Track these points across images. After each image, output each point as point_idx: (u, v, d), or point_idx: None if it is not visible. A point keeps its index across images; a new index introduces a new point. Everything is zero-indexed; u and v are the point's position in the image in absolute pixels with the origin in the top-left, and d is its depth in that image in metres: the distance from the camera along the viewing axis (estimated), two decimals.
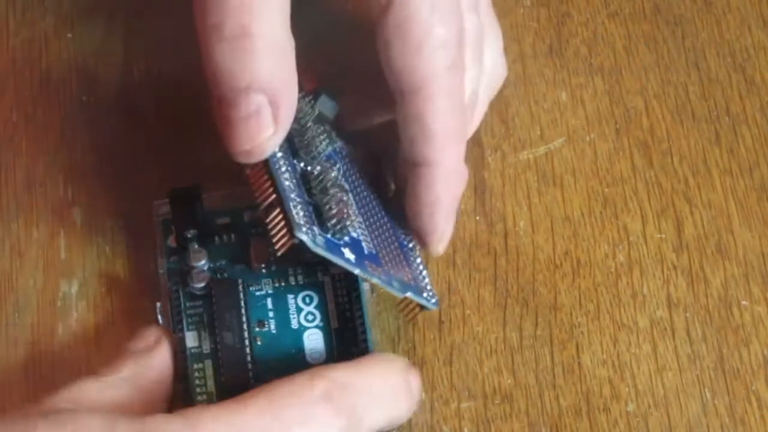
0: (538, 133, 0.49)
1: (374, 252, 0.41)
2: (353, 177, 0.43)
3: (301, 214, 0.38)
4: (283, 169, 0.39)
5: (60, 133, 0.48)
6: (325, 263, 0.40)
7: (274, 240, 0.38)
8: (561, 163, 0.48)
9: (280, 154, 0.39)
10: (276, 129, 0.38)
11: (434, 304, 0.42)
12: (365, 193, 0.43)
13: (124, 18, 0.51)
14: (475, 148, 0.49)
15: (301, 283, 0.42)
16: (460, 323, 0.45)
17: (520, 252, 0.46)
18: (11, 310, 0.44)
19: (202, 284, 0.42)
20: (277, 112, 0.38)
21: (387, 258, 0.41)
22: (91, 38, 0.50)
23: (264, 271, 0.42)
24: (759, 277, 0.46)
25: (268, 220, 0.38)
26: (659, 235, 0.47)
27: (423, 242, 0.43)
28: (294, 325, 0.41)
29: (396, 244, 0.42)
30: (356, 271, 0.39)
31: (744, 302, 0.45)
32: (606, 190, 0.48)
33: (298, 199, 0.38)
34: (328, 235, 0.39)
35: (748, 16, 0.52)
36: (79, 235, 0.46)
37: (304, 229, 0.37)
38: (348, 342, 0.42)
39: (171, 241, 0.43)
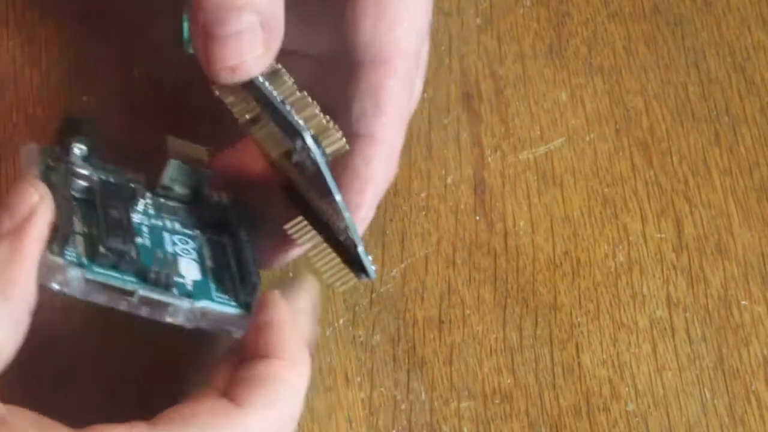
0: (538, 133, 0.49)
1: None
2: None
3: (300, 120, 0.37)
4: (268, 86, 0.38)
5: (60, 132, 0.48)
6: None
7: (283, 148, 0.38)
8: (561, 163, 0.48)
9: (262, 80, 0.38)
10: (265, 52, 0.38)
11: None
12: None
13: (124, 18, 0.51)
14: (475, 148, 0.49)
15: (179, 229, 0.41)
16: (460, 323, 0.45)
17: (520, 252, 0.46)
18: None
19: (85, 184, 0.40)
20: (269, 36, 0.38)
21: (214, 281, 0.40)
22: (91, 38, 0.50)
23: (161, 198, 0.41)
24: (759, 277, 0.46)
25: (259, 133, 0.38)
26: (659, 235, 0.47)
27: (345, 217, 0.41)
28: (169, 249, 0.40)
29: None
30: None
31: (744, 302, 0.46)
32: (606, 190, 0.48)
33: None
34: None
35: (748, 16, 0.52)
36: None
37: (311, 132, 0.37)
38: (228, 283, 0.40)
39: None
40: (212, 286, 0.39)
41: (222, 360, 0.38)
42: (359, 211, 0.41)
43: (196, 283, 0.39)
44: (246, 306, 0.39)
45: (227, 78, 0.38)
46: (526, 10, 0.52)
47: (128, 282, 0.37)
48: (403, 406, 0.43)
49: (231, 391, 0.36)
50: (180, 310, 0.38)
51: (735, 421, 0.43)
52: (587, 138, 0.49)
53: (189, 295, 0.38)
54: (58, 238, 0.36)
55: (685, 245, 0.47)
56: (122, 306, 0.37)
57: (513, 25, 0.52)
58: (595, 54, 0.51)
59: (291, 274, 0.45)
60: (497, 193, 0.48)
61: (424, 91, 0.50)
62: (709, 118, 0.50)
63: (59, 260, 0.36)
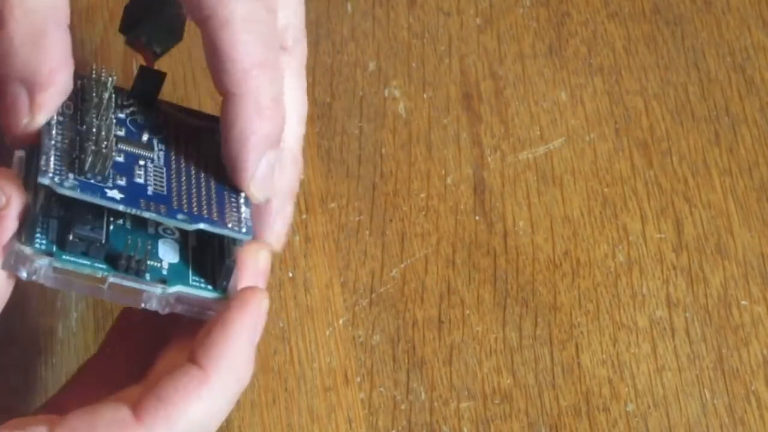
0: (538, 133, 0.49)
1: (164, 194, 0.39)
2: (166, 142, 0.40)
3: (52, 161, 0.37)
4: (53, 125, 0.38)
5: None
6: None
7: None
8: (561, 163, 0.48)
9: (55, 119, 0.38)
10: (32, 116, 0.37)
11: (243, 233, 0.38)
12: (183, 156, 0.40)
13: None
14: (475, 148, 0.49)
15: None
16: (459, 323, 0.45)
17: (519, 252, 0.46)
18: (11, 310, 0.44)
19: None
20: (33, 99, 0.37)
21: (187, 200, 0.38)
22: (91, 38, 0.50)
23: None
24: (758, 277, 0.46)
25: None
26: (659, 235, 0.47)
27: (237, 182, 0.39)
28: (150, 231, 0.39)
29: (214, 192, 0.39)
30: (120, 207, 0.36)
31: (743, 302, 0.46)
32: (606, 190, 0.48)
33: (55, 148, 0.37)
34: (88, 178, 0.37)
35: (747, 16, 0.52)
36: None
37: (49, 174, 0.37)
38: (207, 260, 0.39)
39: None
40: (190, 269, 0.38)
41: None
42: (244, 172, 0.39)
43: (172, 266, 0.38)
44: (222, 290, 0.38)
45: (17, 145, 0.38)
46: (525, 10, 0.52)
47: (98, 269, 0.36)
48: (403, 406, 0.43)
49: (139, 403, 0.35)
50: (153, 297, 0.37)
51: (735, 421, 0.43)
52: (587, 138, 0.49)
53: (163, 280, 0.37)
54: (28, 224, 0.36)
55: (685, 245, 0.47)
56: (94, 294, 0.37)
57: (513, 25, 0.52)
58: (594, 54, 0.51)
59: (291, 275, 0.45)
60: (497, 193, 0.48)
61: (424, 91, 0.50)
62: (709, 118, 0.50)
63: (27, 249, 0.36)
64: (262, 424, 0.43)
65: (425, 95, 0.50)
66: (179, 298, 0.37)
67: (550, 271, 0.46)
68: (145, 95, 0.41)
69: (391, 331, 0.45)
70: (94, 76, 0.39)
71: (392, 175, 0.48)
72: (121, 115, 0.40)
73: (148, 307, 0.37)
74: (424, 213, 0.47)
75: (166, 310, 0.37)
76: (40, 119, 0.38)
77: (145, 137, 0.39)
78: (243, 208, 0.38)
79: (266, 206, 0.40)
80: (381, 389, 0.44)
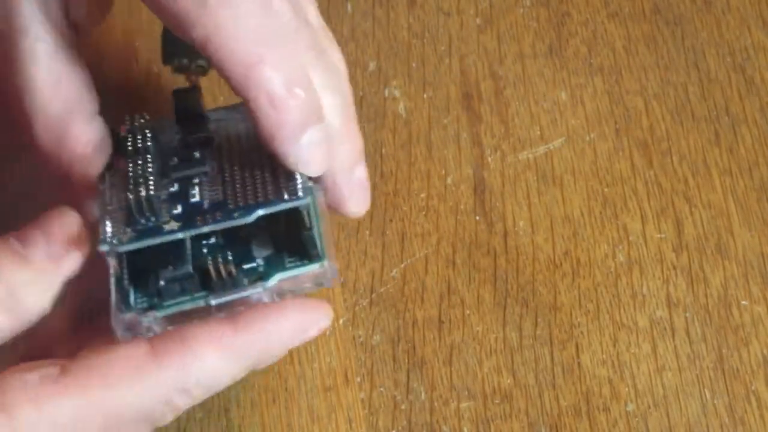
0: (538, 133, 0.49)
1: (220, 200, 0.39)
2: (219, 149, 0.40)
3: (107, 226, 0.38)
4: (103, 190, 0.39)
5: None
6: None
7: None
8: (561, 163, 0.48)
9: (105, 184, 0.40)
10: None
11: (300, 198, 0.37)
12: (235, 154, 0.40)
13: (124, 18, 0.51)
14: (475, 148, 0.49)
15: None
16: (460, 323, 0.45)
17: (519, 252, 0.46)
18: None
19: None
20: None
21: (242, 195, 0.38)
22: (91, 38, 0.50)
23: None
24: (759, 277, 0.46)
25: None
26: (659, 235, 0.47)
27: (287, 170, 0.39)
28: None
29: (268, 173, 0.39)
30: (179, 236, 0.37)
31: (744, 302, 0.46)
32: (606, 189, 0.48)
33: (107, 212, 0.38)
34: (143, 224, 0.38)
35: (747, 16, 0.52)
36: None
37: (107, 239, 0.37)
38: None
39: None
40: (285, 252, 0.38)
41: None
42: (288, 158, 0.38)
43: (268, 258, 0.38)
44: (317, 258, 0.38)
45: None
46: (526, 10, 0.52)
47: (198, 299, 0.37)
48: (403, 406, 0.43)
49: (160, 341, 0.36)
50: (260, 296, 0.38)
51: (735, 421, 0.43)
52: (587, 138, 0.49)
53: (260, 276, 0.38)
54: (118, 291, 0.37)
55: (685, 245, 0.47)
56: (209, 317, 0.38)
57: (513, 25, 0.52)
58: (594, 54, 0.51)
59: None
60: (497, 193, 0.48)
61: (424, 91, 0.50)
62: (709, 118, 0.50)
63: (129, 315, 0.37)
64: (262, 423, 0.43)
65: (425, 95, 0.50)
66: (282, 285, 0.38)
67: (550, 271, 0.46)
68: (188, 113, 0.41)
69: (391, 331, 0.45)
70: (128, 126, 0.40)
71: (392, 175, 0.48)
72: (172, 143, 0.40)
73: (262, 302, 0.38)
74: (424, 213, 0.47)
75: (277, 299, 0.38)
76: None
77: (197, 154, 0.40)
78: (296, 174, 0.38)
79: (333, 183, 0.40)
80: (381, 389, 0.44)
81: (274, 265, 0.38)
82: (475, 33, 0.52)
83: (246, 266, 0.38)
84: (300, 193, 0.37)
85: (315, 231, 0.38)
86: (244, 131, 0.40)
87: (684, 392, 0.44)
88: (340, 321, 0.45)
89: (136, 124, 0.40)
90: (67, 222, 0.38)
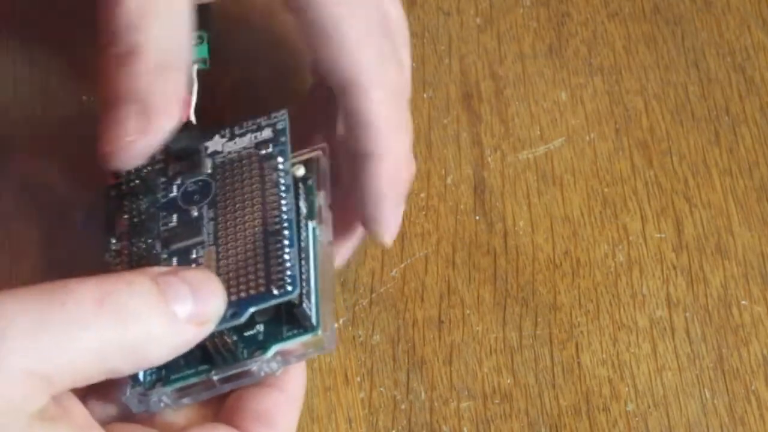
0: (538, 133, 0.49)
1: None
2: (215, 203, 0.41)
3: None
4: None
5: (60, 133, 0.48)
6: None
7: None
8: (561, 162, 0.48)
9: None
10: (139, 137, 0.38)
11: (288, 292, 0.38)
12: (231, 211, 0.41)
13: None
14: (475, 148, 0.49)
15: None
16: (459, 323, 0.45)
17: (519, 252, 0.46)
18: None
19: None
20: (148, 123, 0.38)
21: (234, 282, 0.39)
22: (91, 38, 0.50)
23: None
24: (758, 277, 0.46)
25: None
26: (659, 235, 0.47)
27: (371, 232, 0.42)
28: None
29: (260, 246, 0.39)
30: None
31: (743, 302, 0.46)
32: (606, 189, 0.48)
33: None
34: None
35: (748, 16, 0.52)
36: (79, 235, 0.46)
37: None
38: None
39: None
40: (283, 321, 0.39)
41: None
42: (381, 225, 0.42)
43: (267, 326, 0.38)
44: (311, 329, 0.38)
45: (107, 163, 0.39)
46: (526, 10, 0.52)
47: (202, 373, 0.38)
48: (403, 406, 0.43)
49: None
50: (261, 366, 0.38)
51: (735, 421, 0.43)
52: (587, 138, 0.49)
53: (260, 347, 0.38)
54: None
55: (685, 245, 0.47)
56: (214, 393, 0.38)
57: (513, 25, 0.52)
58: (595, 54, 0.51)
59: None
60: (497, 193, 0.48)
61: (424, 91, 0.50)
62: (709, 118, 0.50)
63: (138, 389, 0.38)
64: None
65: (425, 95, 0.50)
66: (282, 355, 0.38)
67: (550, 271, 0.46)
68: (188, 152, 0.41)
69: (391, 330, 0.45)
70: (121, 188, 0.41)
71: None
72: (173, 194, 0.41)
73: (264, 375, 0.38)
74: (424, 213, 0.47)
75: (280, 370, 0.38)
76: (146, 143, 0.38)
77: (195, 212, 0.40)
78: (286, 256, 0.38)
79: (379, 215, 0.42)
80: (381, 389, 0.44)
81: (272, 335, 0.38)
82: (475, 33, 0.52)
83: (246, 333, 0.38)
84: (289, 288, 0.38)
85: (310, 303, 0.38)
86: (240, 170, 0.41)
87: (684, 392, 0.44)
88: (340, 321, 0.45)
89: (130, 185, 0.41)
90: (217, 291, 0.37)
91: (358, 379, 0.44)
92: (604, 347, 0.45)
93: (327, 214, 0.41)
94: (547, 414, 0.43)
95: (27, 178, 0.47)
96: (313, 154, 0.42)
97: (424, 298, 0.45)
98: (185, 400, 0.38)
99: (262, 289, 0.38)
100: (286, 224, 0.38)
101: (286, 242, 0.38)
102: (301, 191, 0.41)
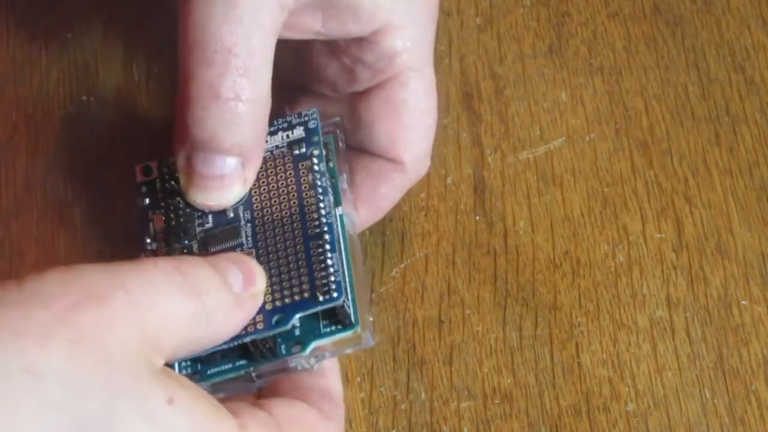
0: (538, 132, 0.49)
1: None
2: (251, 205, 0.41)
3: None
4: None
5: (60, 133, 0.48)
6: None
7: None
8: (561, 162, 0.48)
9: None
10: (242, 187, 0.40)
11: (334, 299, 0.38)
12: (269, 211, 0.41)
13: (124, 18, 0.51)
14: (475, 148, 0.49)
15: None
16: (460, 323, 0.45)
17: (519, 252, 0.46)
18: None
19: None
20: (248, 172, 0.39)
21: (278, 287, 0.39)
22: (91, 38, 0.50)
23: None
24: (759, 277, 0.46)
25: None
26: (659, 235, 0.47)
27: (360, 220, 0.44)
28: None
29: (302, 250, 0.39)
30: (223, 347, 0.37)
31: (744, 302, 0.46)
32: (606, 189, 0.48)
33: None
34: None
35: (748, 16, 0.52)
36: (79, 235, 0.46)
37: None
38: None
39: None
40: (320, 317, 0.38)
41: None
42: (373, 219, 0.44)
43: (304, 322, 0.38)
44: (350, 325, 0.38)
45: (203, 206, 0.40)
46: (526, 9, 0.52)
47: (240, 368, 0.38)
48: (403, 406, 0.43)
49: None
50: (297, 361, 0.38)
51: (735, 421, 0.43)
52: (587, 138, 0.49)
53: (298, 342, 0.38)
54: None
55: (685, 245, 0.47)
56: (249, 388, 0.38)
57: (513, 25, 0.52)
58: (595, 54, 0.51)
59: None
60: (497, 193, 0.48)
61: None
62: (709, 118, 0.50)
63: None
64: None
65: None
66: (319, 351, 0.38)
67: (550, 270, 0.46)
68: None
69: (391, 330, 0.45)
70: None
71: None
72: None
73: (300, 368, 0.38)
74: (424, 213, 0.47)
75: (316, 365, 0.38)
76: (244, 190, 0.40)
77: (230, 213, 0.40)
78: (329, 261, 0.38)
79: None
80: (381, 389, 0.44)
81: (310, 331, 0.38)
82: (475, 33, 0.52)
83: (287, 324, 0.38)
84: (334, 294, 0.38)
85: (348, 300, 0.38)
86: (274, 170, 0.41)
87: (684, 392, 0.44)
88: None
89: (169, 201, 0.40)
90: (257, 266, 0.38)
91: (358, 379, 0.44)
92: (604, 347, 0.45)
93: (350, 197, 0.41)
94: (547, 414, 0.43)
95: (27, 177, 0.47)
96: (330, 133, 0.42)
97: (424, 298, 0.45)
98: (219, 395, 0.38)
99: (306, 295, 0.38)
100: (326, 228, 0.39)
101: (328, 246, 0.38)
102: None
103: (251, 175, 0.40)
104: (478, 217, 0.47)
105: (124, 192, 0.47)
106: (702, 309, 0.45)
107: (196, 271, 0.35)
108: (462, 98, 0.50)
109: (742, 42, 0.51)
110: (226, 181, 0.39)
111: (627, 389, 0.44)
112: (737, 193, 0.48)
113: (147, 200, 0.41)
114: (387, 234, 0.47)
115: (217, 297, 0.35)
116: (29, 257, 0.46)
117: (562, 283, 0.46)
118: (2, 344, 0.30)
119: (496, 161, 0.48)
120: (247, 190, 0.40)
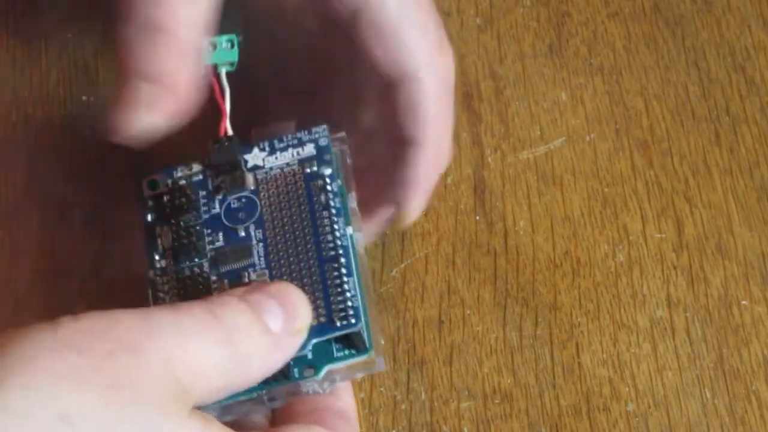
0: (538, 132, 0.49)
1: None
2: (262, 222, 0.40)
3: None
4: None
5: (60, 133, 0.48)
6: None
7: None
8: (561, 162, 0.48)
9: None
10: (149, 115, 0.38)
11: (352, 325, 0.37)
12: (280, 229, 0.40)
13: None
14: (475, 148, 0.49)
15: None
16: (460, 323, 0.45)
17: (520, 252, 0.46)
18: (11, 310, 0.44)
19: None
20: (161, 103, 0.38)
21: None
22: (91, 38, 0.50)
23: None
24: (759, 277, 0.46)
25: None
26: (659, 235, 0.47)
27: (397, 215, 0.43)
28: None
29: (316, 271, 0.39)
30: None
31: (744, 302, 0.46)
32: (606, 189, 0.48)
33: None
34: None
35: (748, 16, 0.52)
36: (79, 235, 0.46)
37: None
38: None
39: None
40: (333, 341, 0.38)
41: None
42: (408, 211, 0.42)
43: (317, 346, 0.38)
44: (364, 350, 0.38)
45: (113, 136, 0.39)
46: (526, 9, 0.52)
47: (252, 390, 0.37)
48: (403, 406, 0.43)
49: None
50: (310, 386, 0.38)
51: (735, 421, 0.43)
52: (587, 138, 0.49)
53: (311, 366, 0.37)
54: None
55: (685, 245, 0.47)
56: (259, 411, 0.38)
57: (513, 25, 0.52)
58: (595, 54, 0.51)
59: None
60: (497, 193, 0.48)
61: None
62: (709, 118, 0.50)
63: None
64: None
65: None
66: (332, 375, 0.38)
67: (550, 271, 0.46)
68: (227, 165, 0.40)
69: (391, 330, 0.45)
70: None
71: None
72: (216, 210, 0.40)
73: (313, 393, 0.38)
74: (424, 213, 0.47)
75: (329, 388, 0.38)
76: (155, 120, 0.38)
77: (242, 232, 0.39)
78: (346, 286, 0.38)
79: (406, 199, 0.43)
80: (381, 389, 0.44)
81: (323, 355, 0.38)
82: (475, 33, 0.52)
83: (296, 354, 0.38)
84: (352, 320, 0.37)
85: (362, 324, 0.37)
86: (285, 189, 0.40)
87: (684, 392, 0.44)
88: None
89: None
90: (303, 299, 0.37)
91: (359, 379, 0.44)
92: (604, 347, 0.45)
93: (358, 216, 0.41)
94: (547, 414, 0.43)
95: (27, 177, 0.47)
96: (336, 149, 0.41)
97: (424, 298, 0.45)
98: (227, 417, 0.37)
99: (323, 320, 0.37)
100: (341, 251, 0.38)
101: (344, 270, 0.38)
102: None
103: (172, 106, 0.38)
104: (478, 217, 0.47)
105: (124, 192, 0.47)
106: (702, 309, 0.45)
107: (233, 315, 0.35)
108: (462, 98, 0.50)
109: (743, 42, 0.51)
110: (141, 104, 0.38)
111: (627, 389, 0.44)
112: (737, 193, 0.48)
113: (154, 215, 0.41)
114: (387, 234, 0.47)
115: (254, 342, 0.35)
116: (29, 257, 0.46)
117: (562, 283, 0.46)
118: (37, 388, 0.31)
119: (496, 161, 0.48)
120: (168, 122, 0.38)
